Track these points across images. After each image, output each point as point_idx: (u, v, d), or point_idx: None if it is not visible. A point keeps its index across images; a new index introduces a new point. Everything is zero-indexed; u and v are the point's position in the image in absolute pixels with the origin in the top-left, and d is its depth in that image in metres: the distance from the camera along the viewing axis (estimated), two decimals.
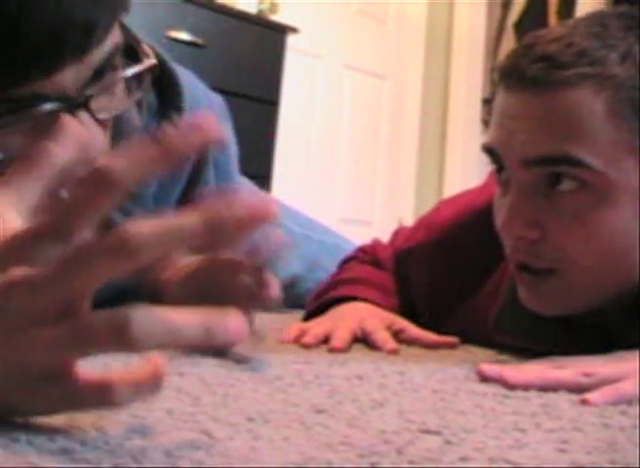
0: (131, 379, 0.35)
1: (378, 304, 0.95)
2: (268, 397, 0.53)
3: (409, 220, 2.94)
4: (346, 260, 1.10)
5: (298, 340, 0.81)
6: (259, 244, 0.62)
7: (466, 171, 3.58)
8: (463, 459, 0.39)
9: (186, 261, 0.77)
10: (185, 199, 0.90)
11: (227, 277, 0.68)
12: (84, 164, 0.59)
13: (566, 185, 0.69)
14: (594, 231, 0.69)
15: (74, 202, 0.35)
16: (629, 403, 0.55)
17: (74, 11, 0.55)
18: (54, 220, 0.36)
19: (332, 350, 0.77)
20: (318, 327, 0.85)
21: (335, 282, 1.02)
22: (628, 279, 0.71)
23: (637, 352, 0.62)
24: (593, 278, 0.71)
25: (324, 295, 0.99)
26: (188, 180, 0.89)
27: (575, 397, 0.57)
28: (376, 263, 1.06)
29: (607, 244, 0.69)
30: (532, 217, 0.70)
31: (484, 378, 0.63)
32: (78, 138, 0.50)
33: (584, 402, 0.55)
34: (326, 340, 0.82)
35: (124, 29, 0.65)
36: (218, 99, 0.97)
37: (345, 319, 0.87)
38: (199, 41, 2.31)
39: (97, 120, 0.62)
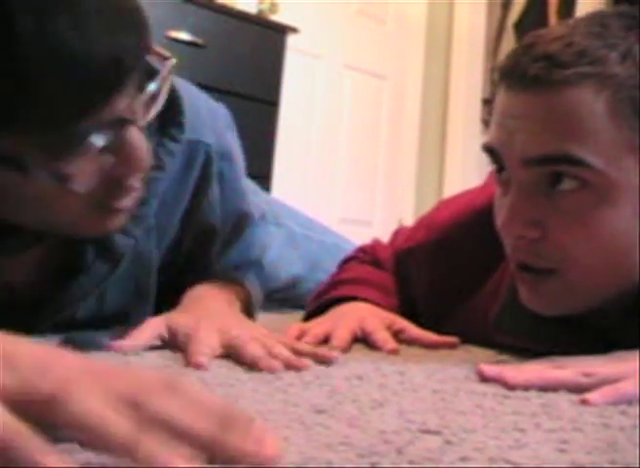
0: None
1: (378, 304, 0.95)
2: (268, 397, 0.53)
3: (409, 220, 2.94)
4: (346, 260, 1.10)
5: (298, 340, 0.81)
6: None
7: (466, 171, 3.58)
8: (463, 459, 0.39)
9: None
10: (188, 215, 0.89)
11: None
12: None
13: (566, 185, 0.68)
14: (595, 230, 0.69)
15: None
16: (629, 403, 0.55)
17: (124, 37, 0.59)
18: None
19: (331, 350, 0.77)
20: (318, 327, 0.85)
21: (335, 282, 1.03)
22: (629, 279, 0.71)
23: (637, 352, 0.62)
24: (594, 278, 0.71)
25: (324, 295, 0.99)
26: (192, 196, 0.89)
27: (575, 397, 0.57)
28: (376, 263, 1.06)
29: (607, 243, 0.69)
30: (532, 217, 0.70)
31: (484, 378, 0.63)
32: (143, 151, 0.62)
33: (584, 402, 0.55)
34: (326, 340, 0.82)
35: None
36: (222, 110, 0.97)
37: (345, 319, 0.87)
38: (199, 41, 2.31)
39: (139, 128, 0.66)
